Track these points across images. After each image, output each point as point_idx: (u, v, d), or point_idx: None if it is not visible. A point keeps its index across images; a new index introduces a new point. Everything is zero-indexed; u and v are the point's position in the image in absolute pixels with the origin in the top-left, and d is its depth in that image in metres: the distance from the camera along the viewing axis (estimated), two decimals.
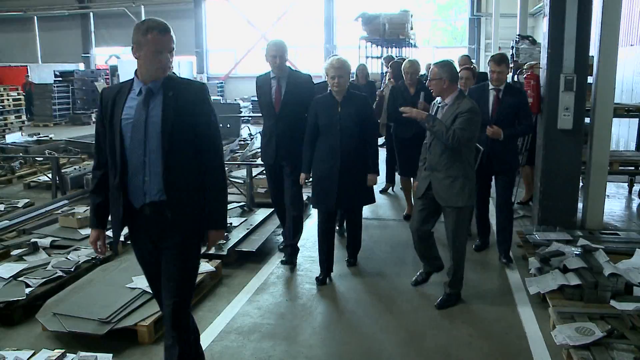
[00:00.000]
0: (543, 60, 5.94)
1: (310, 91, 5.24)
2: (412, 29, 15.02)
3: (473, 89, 5.45)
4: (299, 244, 5.49)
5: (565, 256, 4.75)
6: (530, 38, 7.92)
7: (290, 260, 5.39)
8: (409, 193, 6.89)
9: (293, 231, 5.35)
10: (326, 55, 22.47)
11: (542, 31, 6.12)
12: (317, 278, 4.97)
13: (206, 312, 4.38)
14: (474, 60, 7.88)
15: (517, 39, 7.94)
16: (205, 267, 4.85)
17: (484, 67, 15.07)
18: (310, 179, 5.07)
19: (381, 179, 6.90)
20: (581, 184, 6.27)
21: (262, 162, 5.68)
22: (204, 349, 3.77)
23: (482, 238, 5.77)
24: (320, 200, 4.91)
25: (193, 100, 2.76)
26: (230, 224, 6.01)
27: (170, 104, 2.71)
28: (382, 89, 8.17)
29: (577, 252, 4.81)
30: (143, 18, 22.11)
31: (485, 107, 5.14)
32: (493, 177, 5.47)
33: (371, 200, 5.09)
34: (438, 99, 4.38)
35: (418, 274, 4.87)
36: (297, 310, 4.38)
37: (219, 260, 5.10)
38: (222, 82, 25.28)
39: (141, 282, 4.42)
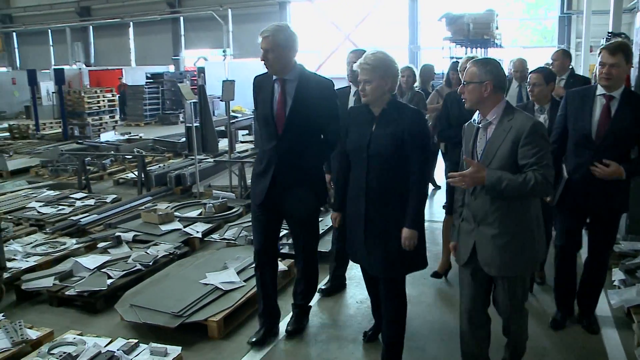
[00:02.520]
0: (636, 59, 5.58)
1: (330, 104, 3.68)
2: (497, 28, 14.59)
3: (571, 93, 3.86)
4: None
5: None
6: (622, 35, 7.45)
7: (298, 325, 4.06)
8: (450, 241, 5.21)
9: (305, 290, 4.07)
10: (410, 58, 22.21)
11: (635, 27, 5.75)
12: (365, 333, 3.95)
13: None
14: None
15: (609, 37, 7.50)
16: (278, 266, 4.90)
17: (580, 69, 14.40)
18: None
19: None
20: None
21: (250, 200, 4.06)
22: (271, 346, 3.85)
23: (563, 309, 4.07)
24: (349, 248, 3.56)
25: None
26: None
27: None
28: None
29: None
30: (230, 21, 22.76)
31: (586, 123, 3.60)
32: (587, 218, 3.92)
33: (416, 265, 3.38)
34: (475, 115, 3.03)
35: None
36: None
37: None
38: None
39: (214, 278, 4.55)
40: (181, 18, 27.94)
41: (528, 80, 4.41)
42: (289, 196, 3.66)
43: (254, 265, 3.98)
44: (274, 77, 3.63)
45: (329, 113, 3.64)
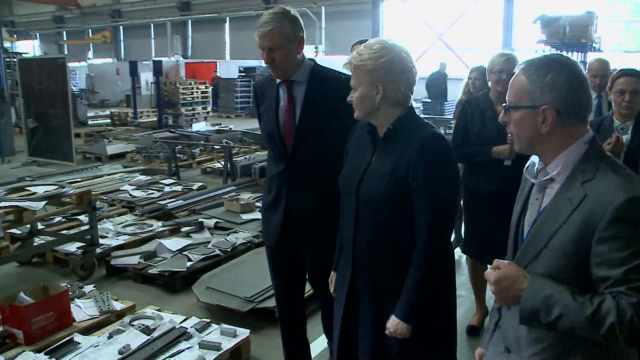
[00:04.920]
0: None
1: (349, 104, 2.23)
2: (596, 31, 13.98)
3: None
4: None
5: None
6: None
7: None
8: (481, 289, 4.01)
9: None
10: None
11: None
12: None
13: None
14: None
15: None
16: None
17: None
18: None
19: None
20: None
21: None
22: None
23: None
24: (327, 327, 2.68)
25: None
26: None
27: None
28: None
29: None
30: (323, 18, 23.06)
31: None
32: None
33: None
34: (532, 161, 1.72)
35: None
36: None
37: None
38: None
39: None
40: None
41: (612, 87, 3.34)
42: (307, 234, 2.79)
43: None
44: (278, 80, 2.80)
45: (351, 117, 2.28)
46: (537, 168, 1.68)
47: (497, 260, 1.62)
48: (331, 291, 2.50)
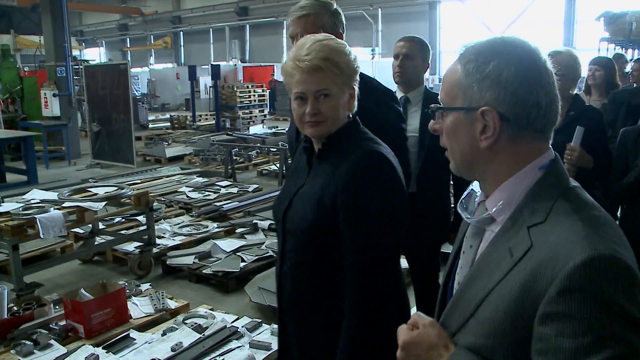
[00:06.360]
0: None
1: (383, 115, 2.27)
2: None
3: None
4: None
5: None
6: None
7: None
8: None
9: None
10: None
11: None
12: None
13: None
14: None
15: None
16: None
17: None
18: None
19: None
20: None
21: None
22: None
23: None
24: None
25: None
26: None
27: None
28: None
29: None
30: (380, 20, 22.99)
31: None
32: None
33: None
34: (472, 189, 1.23)
35: None
36: None
37: None
38: None
39: None
40: None
41: None
42: None
43: None
44: None
45: (382, 126, 1.95)
46: (477, 201, 1.21)
47: (417, 313, 1.19)
48: None
